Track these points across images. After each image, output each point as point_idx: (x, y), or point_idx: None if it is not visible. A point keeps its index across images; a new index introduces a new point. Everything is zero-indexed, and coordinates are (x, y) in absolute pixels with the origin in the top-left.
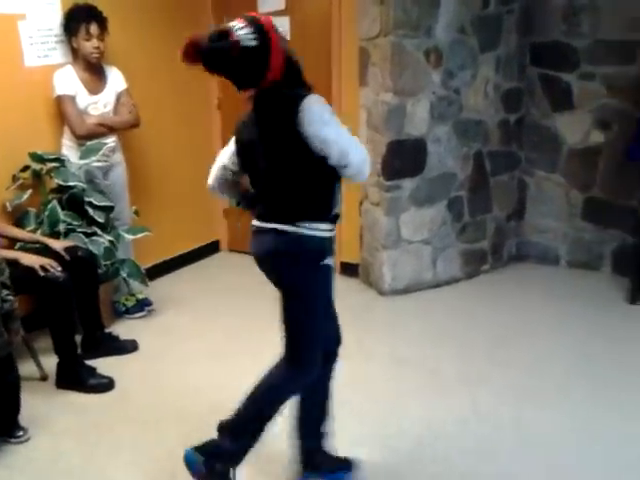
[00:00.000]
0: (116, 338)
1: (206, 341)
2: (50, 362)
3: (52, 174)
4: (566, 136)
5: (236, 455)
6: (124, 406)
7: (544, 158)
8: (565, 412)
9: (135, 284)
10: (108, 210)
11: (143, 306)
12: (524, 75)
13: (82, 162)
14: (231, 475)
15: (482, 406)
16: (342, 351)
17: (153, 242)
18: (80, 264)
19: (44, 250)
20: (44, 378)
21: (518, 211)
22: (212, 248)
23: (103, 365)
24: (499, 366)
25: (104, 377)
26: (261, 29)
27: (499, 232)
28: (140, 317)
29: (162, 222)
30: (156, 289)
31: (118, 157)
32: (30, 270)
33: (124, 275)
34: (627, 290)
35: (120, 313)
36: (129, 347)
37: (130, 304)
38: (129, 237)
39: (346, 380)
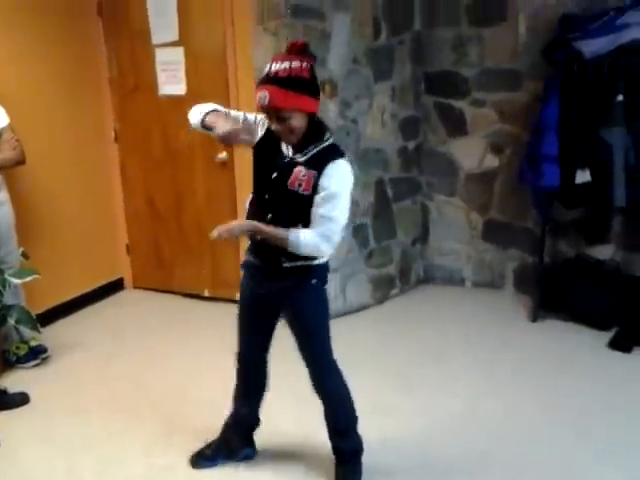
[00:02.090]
0: (3, 392)
1: (103, 390)
2: None
3: None
4: (462, 161)
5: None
6: (8, 467)
7: (443, 183)
8: (473, 436)
9: (27, 331)
10: None
11: (36, 354)
12: (419, 103)
13: None
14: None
15: (388, 434)
16: None
17: (49, 283)
18: None
19: None
20: None
21: (422, 235)
22: (115, 286)
23: None
24: (408, 394)
25: None
26: None
27: (405, 256)
28: (33, 366)
29: (58, 262)
30: (53, 334)
31: (3, 196)
32: None
33: (12, 322)
34: (529, 308)
35: (11, 363)
36: (18, 401)
37: (22, 352)
38: (16, 281)
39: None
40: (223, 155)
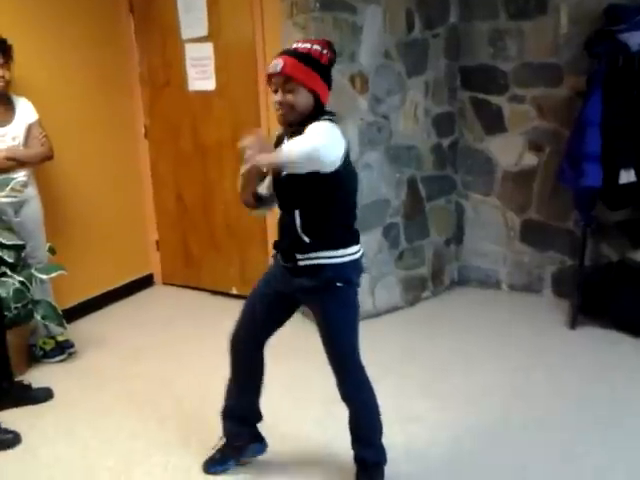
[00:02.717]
0: (27, 387)
1: (126, 387)
2: None
3: None
4: (500, 159)
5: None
6: (30, 464)
7: (479, 181)
8: (503, 448)
9: (54, 326)
10: (19, 249)
11: (63, 349)
12: (455, 99)
13: None
14: None
15: (414, 444)
16: None
17: (78, 279)
18: None
19: None
20: None
21: (457, 235)
22: (145, 282)
23: (10, 418)
24: (437, 402)
25: (8, 432)
26: None
27: (438, 257)
28: (59, 361)
29: (87, 257)
30: (81, 329)
31: (31, 192)
32: None
33: (39, 317)
34: (567, 314)
35: (38, 357)
36: (41, 396)
37: (48, 347)
38: (42, 276)
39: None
40: None
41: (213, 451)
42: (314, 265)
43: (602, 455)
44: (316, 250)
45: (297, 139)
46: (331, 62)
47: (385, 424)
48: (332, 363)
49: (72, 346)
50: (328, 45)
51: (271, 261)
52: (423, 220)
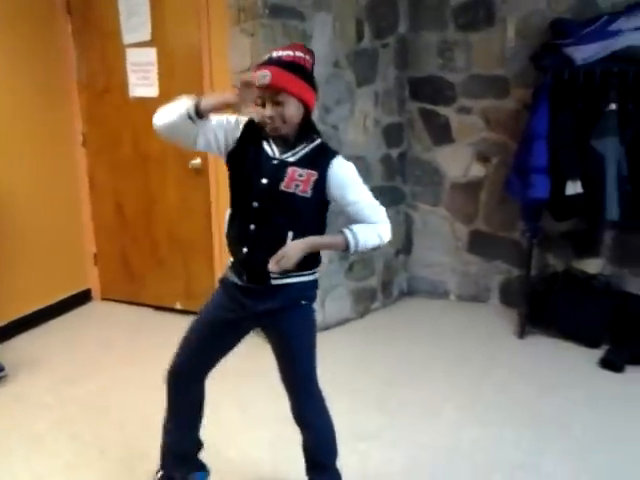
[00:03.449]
0: None
1: (62, 415)
2: None
3: None
4: (448, 169)
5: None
6: None
7: (428, 192)
8: (459, 465)
9: None
10: None
11: None
12: (404, 109)
13: None
14: None
15: (370, 463)
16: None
17: (9, 295)
18: None
19: None
20: None
21: (406, 246)
22: (82, 298)
23: None
24: (391, 417)
25: None
26: None
27: (388, 268)
28: None
29: (18, 272)
30: (12, 350)
31: None
32: None
33: None
34: (516, 324)
35: None
36: None
37: None
38: None
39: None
40: (197, 161)
41: None
42: (288, 285)
43: (563, 467)
44: (296, 269)
45: (370, 230)
46: (312, 67)
47: (338, 443)
48: (291, 386)
49: (2, 369)
50: (307, 49)
51: (216, 284)
52: None
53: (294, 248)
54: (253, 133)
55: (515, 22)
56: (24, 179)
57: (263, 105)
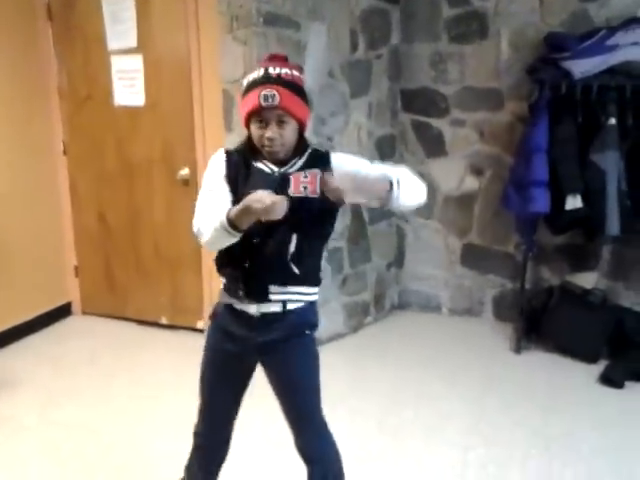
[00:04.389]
0: None
1: (45, 436)
2: None
3: None
4: (441, 182)
5: None
6: None
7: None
8: None
9: None
10: None
11: None
12: (396, 121)
13: None
14: None
15: None
16: None
17: None
18: None
19: None
20: None
21: (398, 259)
22: (62, 312)
23: None
24: (392, 437)
25: None
26: None
27: (380, 282)
28: None
29: None
30: None
31: None
32: None
33: None
34: (510, 339)
35: None
36: None
37: None
38: None
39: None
40: (185, 171)
41: None
42: (286, 311)
43: None
44: (297, 285)
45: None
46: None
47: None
48: (296, 422)
49: None
50: (297, 65)
51: (205, 298)
52: (366, 244)
53: (342, 179)
54: (237, 159)
55: (508, 35)
56: (2, 188)
57: (267, 124)
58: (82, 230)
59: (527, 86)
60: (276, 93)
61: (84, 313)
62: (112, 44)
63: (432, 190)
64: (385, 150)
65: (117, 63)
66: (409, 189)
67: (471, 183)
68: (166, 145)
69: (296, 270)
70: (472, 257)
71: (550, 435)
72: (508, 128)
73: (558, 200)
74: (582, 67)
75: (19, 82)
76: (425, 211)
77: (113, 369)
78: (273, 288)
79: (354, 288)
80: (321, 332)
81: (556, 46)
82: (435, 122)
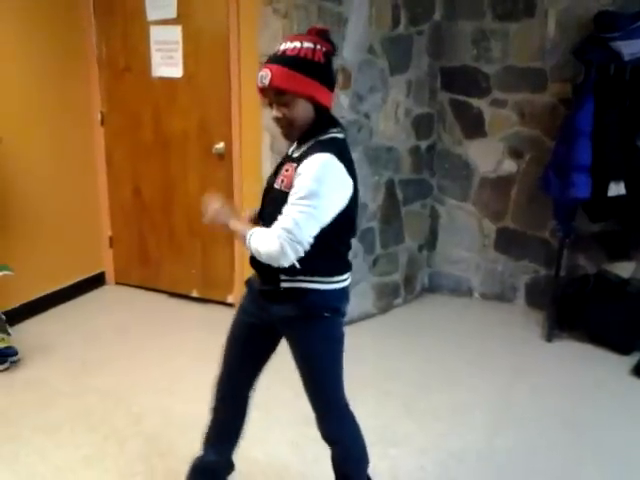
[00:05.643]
0: None
1: (77, 403)
2: None
3: None
4: (478, 164)
5: None
6: None
7: (456, 186)
8: (489, 474)
9: None
10: None
11: (5, 357)
12: (435, 100)
13: None
14: None
15: (400, 471)
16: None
17: (23, 277)
18: None
19: None
20: None
21: (430, 241)
22: (96, 281)
23: None
24: (419, 420)
25: None
26: None
27: (411, 263)
28: (1, 371)
29: (33, 253)
30: (25, 334)
31: None
32: None
33: None
34: (542, 326)
35: None
36: None
37: None
38: None
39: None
40: (221, 145)
41: None
42: (297, 289)
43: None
44: (305, 274)
45: (273, 232)
46: (328, 56)
47: (368, 446)
48: (313, 403)
49: (15, 354)
50: (322, 36)
51: (236, 274)
52: (399, 225)
53: (218, 213)
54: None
55: (556, 13)
56: (41, 158)
57: (271, 106)
58: (117, 201)
59: (572, 67)
60: (268, 73)
61: (117, 283)
62: (151, 15)
63: (468, 171)
64: (423, 129)
65: (156, 34)
66: (254, 249)
67: (509, 166)
68: (202, 118)
69: (298, 265)
70: (506, 242)
71: (578, 425)
72: (550, 110)
73: (599, 186)
74: (633, 48)
75: (60, 52)
76: (460, 193)
77: (144, 339)
78: (284, 276)
79: (385, 269)
80: (350, 312)
81: (606, 25)
82: (475, 102)
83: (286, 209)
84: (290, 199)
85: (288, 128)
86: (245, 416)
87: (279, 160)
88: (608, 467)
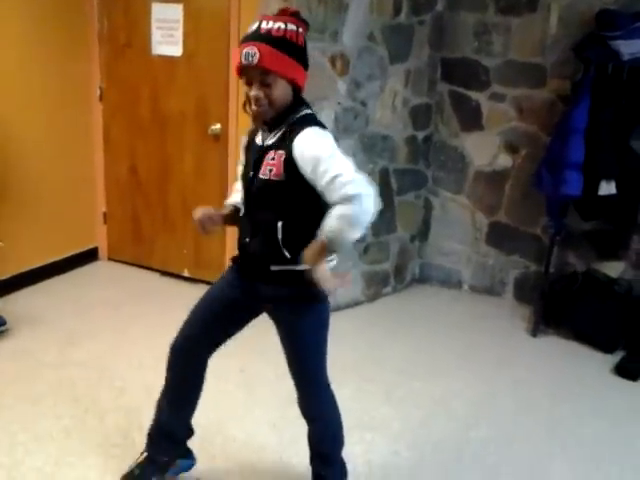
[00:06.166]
0: None
1: (62, 375)
2: None
3: None
4: (473, 157)
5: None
6: None
7: (450, 178)
8: (466, 464)
9: None
10: None
11: None
12: (434, 91)
13: None
14: None
15: (374, 455)
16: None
17: (14, 248)
18: None
19: None
20: None
21: (422, 232)
22: (89, 256)
23: None
24: (398, 407)
25: None
26: None
27: (402, 253)
28: None
29: (25, 226)
30: (14, 305)
31: None
32: None
33: None
34: (528, 321)
35: None
36: None
37: None
38: None
39: (229, 412)
40: (217, 127)
41: (133, 465)
42: (288, 271)
43: (571, 476)
44: (295, 263)
45: (344, 211)
46: (305, 40)
47: (344, 430)
48: (297, 381)
49: (4, 323)
50: (299, 20)
51: (228, 256)
52: (392, 215)
53: (319, 271)
54: (252, 134)
55: (559, 9)
56: (38, 131)
57: (249, 84)
58: (113, 177)
59: (572, 64)
60: (257, 51)
61: (110, 259)
62: None
63: (464, 164)
64: (420, 120)
65: (157, 12)
66: (341, 233)
67: (504, 160)
68: (200, 98)
69: (287, 254)
70: (498, 236)
71: (555, 420)
72: (548, 106)
73: (591, 185)
74: (632, 48)
75: (60, 26)
76: (455, 185)
77: (132, 315)
78: (274, 267)
79: (375, 257)
80: (338, 298)
81: (606, 24)
82: (474, 95)
83: (327, 176)
84: (320, 169)
85: (266, 108)
86: (202, 383)
87: (247, 153)
88: (577, 462)
